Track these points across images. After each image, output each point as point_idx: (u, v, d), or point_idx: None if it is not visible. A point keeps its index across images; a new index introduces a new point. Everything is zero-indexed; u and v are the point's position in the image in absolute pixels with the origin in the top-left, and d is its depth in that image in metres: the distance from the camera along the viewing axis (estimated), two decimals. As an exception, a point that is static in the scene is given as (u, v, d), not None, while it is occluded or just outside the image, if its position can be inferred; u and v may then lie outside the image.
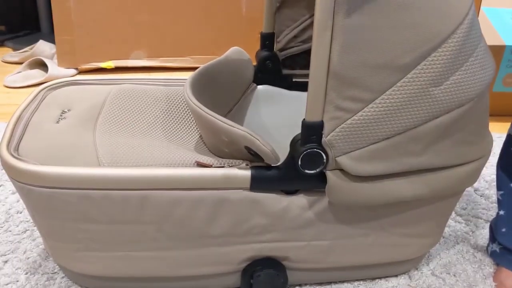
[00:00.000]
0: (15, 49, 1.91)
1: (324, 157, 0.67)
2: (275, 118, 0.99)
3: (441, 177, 0.74)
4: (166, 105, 0.88)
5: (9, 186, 1.11)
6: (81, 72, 1.76)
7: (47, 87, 0.92)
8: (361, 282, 0.89)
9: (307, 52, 0.63)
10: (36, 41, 1.81)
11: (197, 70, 0.84)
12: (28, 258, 0.91)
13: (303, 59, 0.99)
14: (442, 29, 0.63)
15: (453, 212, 1.08)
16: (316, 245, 0.80)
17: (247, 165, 0.72)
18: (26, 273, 0.88)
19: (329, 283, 0.88)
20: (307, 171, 0.69)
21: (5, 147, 0.73)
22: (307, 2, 0.92)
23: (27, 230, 0.98)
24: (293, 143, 0.69)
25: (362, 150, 0.67)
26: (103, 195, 0.70)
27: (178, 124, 0.85)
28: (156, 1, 1.74)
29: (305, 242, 0.79)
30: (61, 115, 0.83)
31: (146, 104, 0.88)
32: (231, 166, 0.72)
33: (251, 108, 0.98)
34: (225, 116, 0.91)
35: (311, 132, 0.66)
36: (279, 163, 0.71)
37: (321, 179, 0.70)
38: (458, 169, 0.74)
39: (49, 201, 0.70)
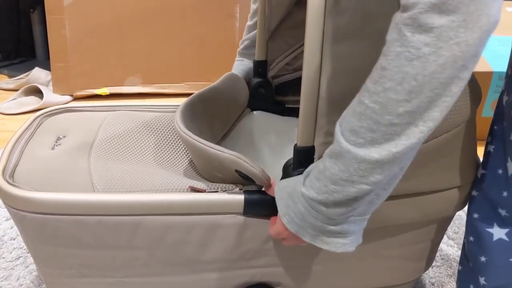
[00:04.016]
0: (10, 76, 1.93)
1: None
2: (268, 143, 1.00)
3: (431, 200, 0.75)
4: (160, 132, 0.89)
5: (3, 212, 1.11)
6: (76, 98, 1.78)
7: (43, 114, 0.93)
8: (355, 307, 0.89)
9: (299, 79, 0.65)
10: (31, 68, 1.83)
11: (190, 97, 0.85)
12: (21, 285, 0.91)
13: (295, 86, 1.00)
14: None
15: (445, 236, 1.09)
16: (309, 270, 0.80)
17: (240, 189, 0.73)
18: (19, 301, 0.88)
19: (323, 308, 0.89)
20: None
21: (0, 173, 0.73)
22: (299, 30, 0.94)
23: (20, 257, 0.98)
24: (286, 167, 0.70)
25: None
26: (96, 221, 0.70)
27: (172, 150, 0.85)
28: (150, 29, 1.76)
29: (298, 266, 0.79)
30: (56, 142, 0.84)
31: (140, 131, 0.89)
32: (224, 190, 0.73)
33: (245, 134, 0.99)
34: (219, 141, 0.92)
35: (303, 157, 0.67)
36: None
37: None
38: (447, 193, 0.75)
39: (42, 227, 0.71)
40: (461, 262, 0.81)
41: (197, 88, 1.86)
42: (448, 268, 1.00)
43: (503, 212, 0.72)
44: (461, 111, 0.69)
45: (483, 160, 0.75)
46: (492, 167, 0.73)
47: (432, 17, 0.47)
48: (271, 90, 0.99)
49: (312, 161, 0.68)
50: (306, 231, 0.61)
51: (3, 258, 0.98)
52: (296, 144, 0.67)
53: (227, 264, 0.77)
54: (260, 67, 0.98)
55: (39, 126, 0.89)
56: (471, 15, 0.47)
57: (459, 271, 0.81)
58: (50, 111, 0.94)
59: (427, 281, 0.97)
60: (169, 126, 0.91)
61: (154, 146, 0.85)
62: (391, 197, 0.72)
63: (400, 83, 0.50)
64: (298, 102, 0.65)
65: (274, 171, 0.74)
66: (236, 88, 0.96)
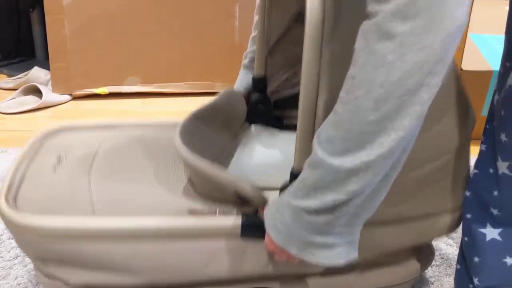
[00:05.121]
0: (9, 76, 1.93)
1: None
2: (267, 158, 1.00)
3: (424, 225, 0.76)
4: (159, 149, 0.91)
5: (1, 212, 1.11)
6: (75, 98, 1.78)
7: (43, 134, 0.96)
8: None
9: (298, 95, 0.65)
10: (30, 67, 1.83)
11: (189, 115, 0.86)
12: (19, 284, 0.91)
13: (293, 101, 1.00)
14: None
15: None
16: (309, 283, 0.80)
17: (238, 211, 0.74)
18: (17, 300, 0.88)
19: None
20: None
21: (4, 197, 0.76)
22: (298, 46, 0.95)
23: (18, 256, 0.98)
24: (282, 190, 0.70)
25: None
26: (96, 245, 0.71)
27: (170, 168, 0.87)
28: (150, 28, 1.76)
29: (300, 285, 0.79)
30: (57, 163, 0.86)
31: (139, 149, 0.90)
32: (222, 213, 0.74)
33: (244, 148, 1.00)
34: (218, 156, 0.93)
35: None
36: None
37: None
38: (440, 217, 0.77)
39: (45, 249, 0.72)
40: (458, 261, 0.81)
41: (196, 87, 1.87)
42: (448, 268, 1.00)
43: (495, 212, 0.72)
44: (454, 136, 0.71)
45: (476, 159, 0.75)
46: (483, 167, 0.73)
47: (395, 24, 0.47)
48: (270, 106, 1.00)
49: None
50: (293, 244, 0.61)
51: (1, 257, 0.98)
52: (292, 168, 0.67)
53: (227, 287, 0.77)
54: (259, 83, 0.98)
55: (40, 146, 0.92)
56: (433, 20, 0.47)
57: (457, 270, 0.81)
58: (51, 130, 0.97)
59: (426, 280, 0.97)
60: (168, 143, 0.92)
61: (153, 164, 0.87)
62: (384, 223, 0.73)
63: (369, 91, 0.50)
64: (296, 117, 0.65)
65: (273, 187, 0.75)
66: (234, 104, 0.97)
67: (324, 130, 0.56)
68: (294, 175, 0.66)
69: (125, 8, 1.73)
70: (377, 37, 0.49)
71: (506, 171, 0.69)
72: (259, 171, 0.97)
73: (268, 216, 0.64)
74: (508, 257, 0.73)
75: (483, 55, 1.49)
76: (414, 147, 0.62)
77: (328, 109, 0.61)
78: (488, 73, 1.44)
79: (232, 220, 0.72)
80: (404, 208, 0.72)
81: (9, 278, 0.92)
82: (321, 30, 0.58)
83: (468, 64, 1.45)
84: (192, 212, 0.74)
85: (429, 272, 0.99)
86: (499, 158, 0.70)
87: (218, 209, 0.74)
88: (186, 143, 0.76)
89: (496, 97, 0.72)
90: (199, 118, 0.87)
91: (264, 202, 0.71)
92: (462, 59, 1.44)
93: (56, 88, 1.76)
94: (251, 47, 1.01)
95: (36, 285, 0.91)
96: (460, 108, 0.70)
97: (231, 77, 1.81)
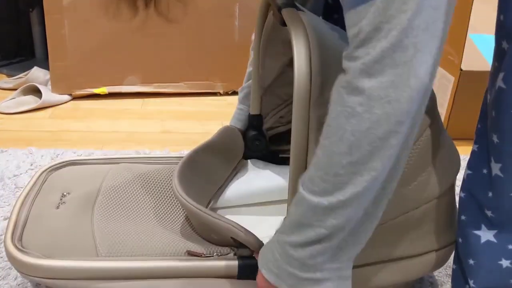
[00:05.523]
0: (9, 76, 1.93)
1: None
2: (264, 193, 1.02)
3: (415, 263, 0.78)
4: (160, 186, 0.94)
5: (1, 212, 1.10)
6: (75, 98, 1.77)
7: (48, 168, 0.97)
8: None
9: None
10: (30, 67, 1.83)
11: (188, 154, 0.90)
12: (19, 284, 0.91)
13: (288, 136, 1.04)
14: None
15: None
16: None
17: (235, 254, 0.78)
18: (17, 300, 0.88)
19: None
20: None
21: (10, 238, 0.79)
22: (291, 87, 0.99)
23: (18, 256, 0.98)
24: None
25: None
26: (99, 284, 0.75)
27: (170, 206, 0.89)
28: (149, 28, 1.76)
29: None
30: (60, 199, 0.89)
31: (141, 186, 0.93)
32: (220, 255, 0.78)
33: (241, 183, 1.02)
34: (217, 191, 0.97)
35: None
36: None
37: None
38: (430, 255, 0.78)
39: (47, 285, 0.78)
40: (454, 261, 0.81)
41: (196, 87, 1.86)
42: (448, 267, 1.00)
43: (489, 213, 0.72)
44: (438, 183, 0.73)
45: (469, 159, 0.75)
46: (477, 167, 0.73)
47: (362, 81, 0.52)
48: (266, 142, 1.05)
49: None
50: (283, 281, 0.62)
51: (1, 257, 0.98)
52: (285, 217, 0.69)
53: None
54: (255, 121, 1.03)
55: (44, 182, 0.94)
56: (399, 77, 0.51)
57: (453, 270, 0.81)
58: (55, 165, 0.99)
59: (426, 280, 0.97)
60: (169, 180, 0.96)
61: (154, 202, 0.90)
62: (377, 262, 0.75)
63: (341, 139, 0.55)
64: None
65: (270, 222, 0.78)
66: (232, 141, 1.01)
67: (308, 170, 0.60)
68: None
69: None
70: (348, 91, 0.54)
71: (498, 173, 0.69)
72: (256, 207, 1.01)
73: (261, 255, 0.67)
74: (503, 259, 0.72)
75: (483, 55, 1.49)
76: (399, 197, 0.65)
77: None
78: (488, 73, 1.44)
79: (229, 262, 0.76)
80: (389, 250, 0.75)
81: (9, 278, 0.92)
82: (308, 99, 0.63)
83: (468, 64, 1.45)
84: (191, 254, 0.77)
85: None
86: (492, 159, 0.70)
87: (216, 251, 0.78)
88: (184, 185, 0.80)
89: (488, 96, 0.72)
90: (198, 155, 0.91)
91: (258, 246, 0.74)
92: (462, 59, 1.44)
93: (55, 88, 1.76)
94: (245, 82, 1.06)
95: (36, 285, 0.91)
96: (442, 154, 0.73)
97: (231, 76, 1.82)
